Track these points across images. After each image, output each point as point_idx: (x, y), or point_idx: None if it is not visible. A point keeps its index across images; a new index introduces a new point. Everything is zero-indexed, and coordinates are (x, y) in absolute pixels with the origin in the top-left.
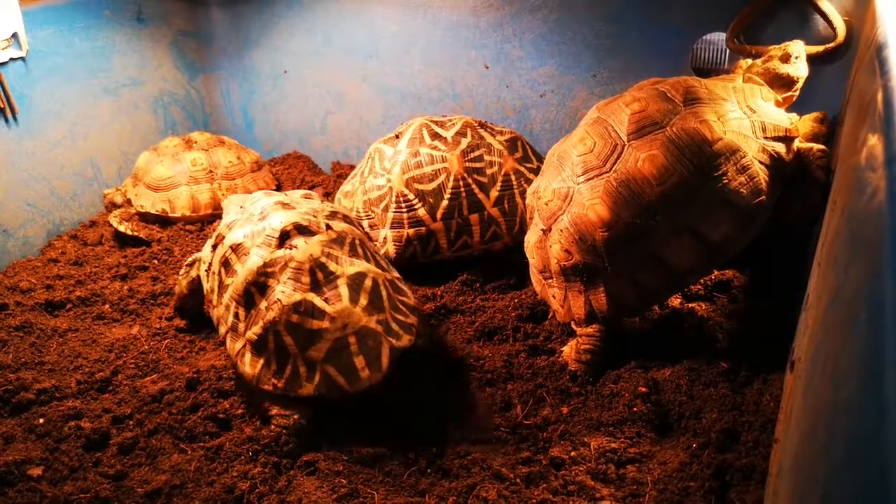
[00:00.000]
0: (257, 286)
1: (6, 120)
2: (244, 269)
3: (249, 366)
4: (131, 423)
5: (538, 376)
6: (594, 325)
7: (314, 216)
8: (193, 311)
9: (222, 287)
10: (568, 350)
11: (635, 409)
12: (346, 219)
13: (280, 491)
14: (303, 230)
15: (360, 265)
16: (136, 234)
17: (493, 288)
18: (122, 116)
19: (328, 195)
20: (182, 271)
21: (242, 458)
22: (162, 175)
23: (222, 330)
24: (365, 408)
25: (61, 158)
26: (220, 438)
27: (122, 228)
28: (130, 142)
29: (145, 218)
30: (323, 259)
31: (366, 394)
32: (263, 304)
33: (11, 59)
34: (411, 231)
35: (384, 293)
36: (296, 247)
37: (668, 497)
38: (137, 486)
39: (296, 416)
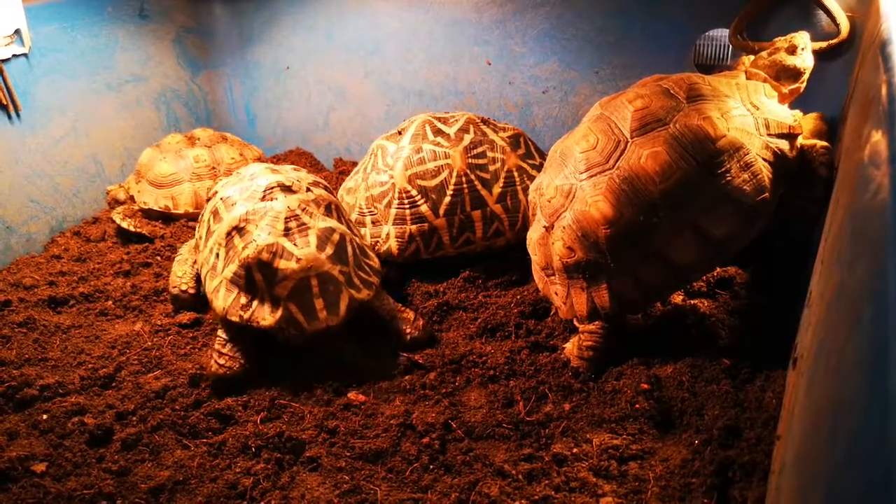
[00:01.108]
0: (238, 230)
1: (9, 116)
2: (229, 217)
3: (222, 300)
4: (134, 419)
5: (540, 373)
6: (596, 322)
7: (298, 180)
8: (191, 302)
9: (209, 233)
10: (570, 347)
11: (637, 405)
12: (326, 188)
13: (283, 487)
14: (285, 189)
15: (331, 222)
16: (138, 230)
17: (495, 284)
18: (124, 113)
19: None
20: (175, 263)
21: (245, 454)
22: (165, 172)
23: (204, 271)
24: (365, 405)
25: (64, 155)
26: (222, 434)
27: (124, 225)
28: (133, 138)
29: (148, 214)
30: (298, 212)
31: (322, 335)
32: (241, 245)
33: (14, 56)
34: (414, 227)
35: (350, 250)
36: (276, 199)
37: (670, 493)
38: (141, 481)
39: (238, 362)
